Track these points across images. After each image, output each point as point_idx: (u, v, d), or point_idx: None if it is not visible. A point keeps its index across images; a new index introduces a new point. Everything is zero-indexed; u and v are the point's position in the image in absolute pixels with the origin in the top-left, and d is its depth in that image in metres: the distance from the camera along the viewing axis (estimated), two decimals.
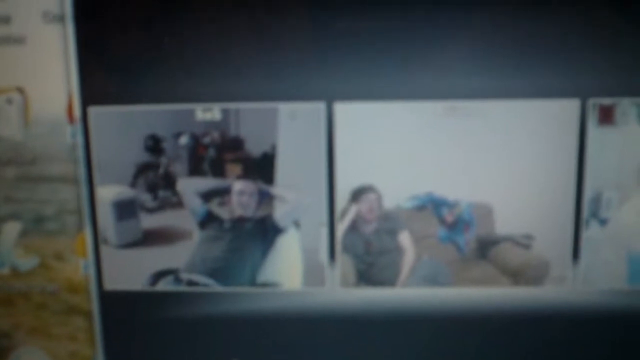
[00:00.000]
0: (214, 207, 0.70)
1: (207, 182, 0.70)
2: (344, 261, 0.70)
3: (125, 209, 0.71)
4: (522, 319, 0.70)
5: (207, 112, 0.68)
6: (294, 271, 0.71)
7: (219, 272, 0.71)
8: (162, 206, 0.71)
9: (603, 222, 0.68)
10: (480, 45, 0.65)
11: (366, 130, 0.67)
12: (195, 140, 0.69)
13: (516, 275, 0.69)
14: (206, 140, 0.69)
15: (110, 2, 0.67)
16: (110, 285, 0.73)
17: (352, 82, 0.66)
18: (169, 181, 0.70)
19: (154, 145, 0.69)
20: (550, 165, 0.67)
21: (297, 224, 0.70)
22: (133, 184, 0.70)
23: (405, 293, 0.71)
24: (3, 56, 0.69)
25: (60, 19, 0.68)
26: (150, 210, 0.71)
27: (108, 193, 0.71)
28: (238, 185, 0.69)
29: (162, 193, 0.70)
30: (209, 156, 0.69)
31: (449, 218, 0.69)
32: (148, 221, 0.71)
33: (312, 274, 0.71)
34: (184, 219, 0.71)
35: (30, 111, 0.70)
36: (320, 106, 0.67)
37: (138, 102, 0.68)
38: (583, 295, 0.69)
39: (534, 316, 0.70)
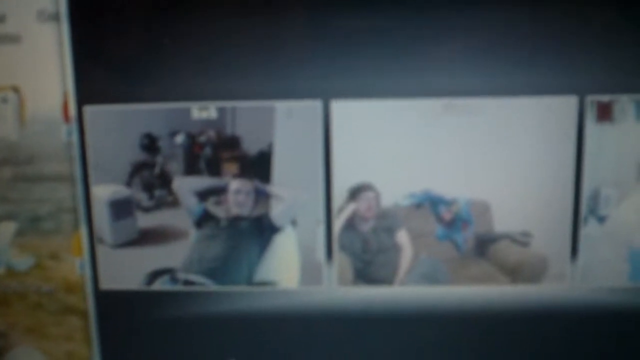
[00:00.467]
0: (210, 206, 0.70)
1: (203, 181, 0.69)
2: (341, 259, 0.70)
3: (121, 208, 0.71)
4: (520, 317, 0.70)
5: (203, 111, 0.68)
6: (291, 270, 0.70)
7: (215, 272, 0.71)
8: (158, 205, 0.70)
9: (601, 219, 0.67)
10: (478, 42, 0.65)
11: (363, 128, 0.67)
12: (191, 139, 0.69)
13: (514, 273, 0.69)
14: (202, 139, 0.69)
15: (105, 0, 0.66)
16: (106, 284, 0.73)
17: (349, 80, 0.66)
18: (165, 180, 0.70)
19: (150, 144, 0.69)
20: (548, 163, 0.67)
21: (294, 222, 0.69)
22: (129, 183, 0.70)
23: (403, 291, 0.70)
24: None
25: (55, 17, 0.68)
26: (146, 210, 0.71)
27: (104, 192, 0.70)
28: (234, 184, 0.69)
29: (158, 192, 0.70)
30: (205, 155, 0.69)
31: (447, 216, 0.69)
32: (144, 220, 0.71)
33: (309, 272, 0.70)
34: (180, 218, 0.70)
35: (25, 110, 0.70)
36: (316, 104, 0.67)
37: (134, 100, 0.68)
38: (582, 292, 0.69)
39: (532, 314, 0.70)
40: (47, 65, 0.69)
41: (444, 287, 0.70)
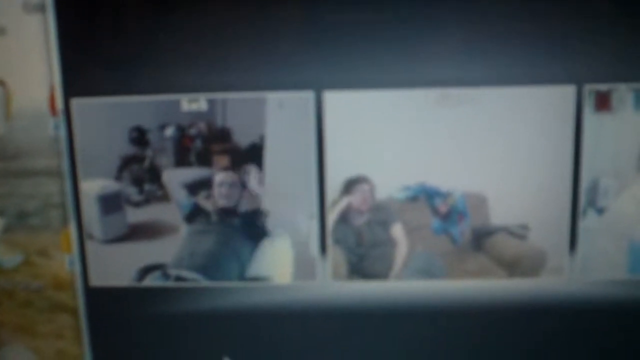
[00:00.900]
0: (201, 200, 0.69)
1: (193, 174, 0.68)
2: (335, 254, 0.69)
3: (110, 203, 0.69)
4: (519, 311, 0.69)
5: (193, 103, 0.67)
6: (284, 265, 0.69)
7: (207, 267, 0.70)
8: (148, 200, 0.69)
9: (600, 211, 0.66)
10: (473, 31, 0.64)
11: (356, 119, 0.66)
12: (181, 132, 0.67)
13: (512, 267, 0.68)
14: (192, 131, 0.67)
15: None
16: (96, 281, 0.71)
17: (342, 70, 0.65)
18: (155, 174, 0.69)
19: (139, 137, 0.68)
20: (546, 154, 0.65)
21: (287, 216, 0.68)
22: (118, 177, 0.69)
23: (399, 286, 0.69)
24: None
25: (41, 8, 0.66)
26: (136, 204, 0.69)
27: (92, 187, 0.69)
28: (218, 177, 0.68)
29: (148, 186, 0.69)
30: (195, 148, 0.68)
31: (443, 208, 0.67)
32: (134, 215, 0.70)
33: (303, 267, 0.69)
34: (170, 213, 0.69)
35: (11, 104, 0.69)
36: (309, 95, 0.65)
37: (122, 93, 0.67)
38: (580, 286, 0.68)
39: (530, 308, 0.68)
40: (33, 58, 0.67)
41: (440, 281, 0.69)
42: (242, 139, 0.67)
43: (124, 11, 0.65)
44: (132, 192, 0.69)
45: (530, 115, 0.65)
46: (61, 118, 0.68)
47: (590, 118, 0.64)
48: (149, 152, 0.68)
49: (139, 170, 0.69)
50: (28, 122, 0.69)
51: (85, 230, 0.70)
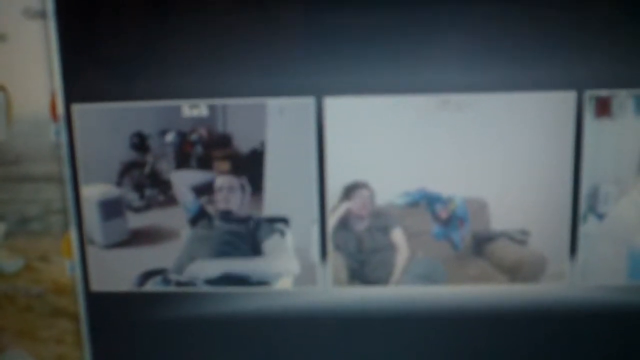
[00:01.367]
0: (205, 203, 0.69)
1: (199, 177, 0.68)
2: (336, 259, 0.69)
3: (111, 209, 0.69)
4: (519, 317, 0.69)
5: (194, 109, 0.67)
6: (285, 270, 0.69)
7: (209, 272, 0.70)
8: (149, 205, 0.69)
9: (601, 216, 0.66)
10: (474, 37, 0.64)
11: (357, 125, 0.66)
12: (182, 138, 0.67)
13: (512, 272, 0.68)
14: (193, 137, 0.67)
15: None
16: (97, 286, 0.71)
17: (343, 76, 0.65)
18: (156, 179, 0.69)
19: (140, 142, 0.68)
20: (546, 159, 0.65)
21: (287, 222, 0.68)
22: (119, 183, 0.69)
23: (400, 291, 0.69)
24: None
25: (42, 14, 0.66)
26: (137, 210, 0.69)
27: (93, 192, 0.69)
28: (218, 181, 0.68)
29: (148, 192, 0.69)
30: (195, 153, 0.68)
31: (443, 214, 0.67)
32: (135, 220, 0.70)
33: (304, 272, 0.69)
34: (171, 218, 0.69)
35: (12, 109, 0.69)
36: (309, 101, 0.66)
37: (123, 98, 0.67)
38: (581, 291, 0.68)
39: (531, 314, 0.68)
40: (34, 64, 0.67)
41: (441, 286, 0.69)
42: (243, 144, 0.67)
43: (125, 17, 0.65)
44: (133, 197, 0.69)
45: (530, 121, 0.65)
46: (62, 124, 0.68)
47: (591, 124, 0.65)
48: (149, 158, 0.68)
49: (140, 175, 0.69)
50: (29, 127, 0.69)
51: (86, 235, 0.70)
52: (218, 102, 0.66)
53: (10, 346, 0.75)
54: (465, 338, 0.70)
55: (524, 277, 0.68)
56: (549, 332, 0.69)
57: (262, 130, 0.67)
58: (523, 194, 0.66)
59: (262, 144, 0.67)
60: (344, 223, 0.68)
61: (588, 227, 0.67)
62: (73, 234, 0.70)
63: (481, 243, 0.68)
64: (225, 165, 0.68)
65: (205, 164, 0.68)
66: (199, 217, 0.69)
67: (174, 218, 0.69)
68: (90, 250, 0.71)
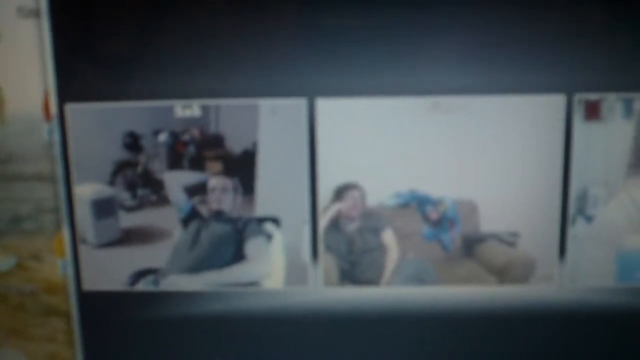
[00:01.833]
0: (197, 203, 0.69)
1: (192, 177, 0.68)
2: (327, 260, 0.69)
3: (103, 208, 0.70)
4: (508, 318, 0.69)
5: (187, 109, 0.67)
6: (276, 270, 0.70)
7: (199, 272, 0.70)
8: (142, 205, 0.70)
9: (589, 219, 0.67)
10: (466, 41, 0.64)
11: (348, 126, 0.66)
12: (175, 138, 0.68)
13: (502, 274, 0.68)
14: (186, 137, 0.68)
15: None
16: (89, 285, 0.72)
17: (334, 77, 0.65)
18: (148, 179, 0.69)
19: (133, 142, 0.68)
20: (536, 162, 0.66)
21: (279, 223, 0.69)
22: (111, 182, 0.69)
23: (390, 292, 0.70)
24: None
25: (36, 14, 0.67)
26: (130, 209, 0.70)
27: (86, 191, 0.69)
28: (211, 182, 0.68)
29: (141, 191, 0.69)
30: (188, 153, 0.68)
31: (434, 215, 0.68)
32: (127, 220, 0.70)
33: (295, 272, 0.69)
34: (163, 218, 0.70)
35: (5, 109, 0.69)
36: (301, 102, 0.66)
37: (116, 98, 0.67)
38: (570, 293, 0.68)
39: (520, 315, 0.69)
40: (27, 63, 0.68)
41: (431, 287, 0.69)
42: (235, 145, 0.68)
43: (118, 17, 0.66)
44: (125, 197, 0.69)
45: (520, 124, 0.65)
46: (55, 123, 0.68)
47: (580, 127, 0.65)
48: (142, 158, 0.69)
49: (133, 175, 0.69)
50: (22, 127, 0.69)
51: (78, 234, 0.70)
52: (211, 102, 0.67)
53: (2, 344, 0.75)
54: (455, 338, 0.70)
55: (513, 279, 0.68)
56: (537, 333, 0.69)
57: (254, 131, 0.67)
58: (513, 196, 0.67)
59: (254, 145, 0.67)
60: (335, 224, 0.68)
61: (577, 230, 0.67)
62: (65, 233, 0.70)
63: (471, 244, 0.68)
64: (217, 166, 0.68)
65: (197, 164, 0.68)
66: (190, 217, 0.70)
67: (166, 218, 0.69)
68: (83, 250, 0.71)
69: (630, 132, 0.65)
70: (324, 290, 0.70)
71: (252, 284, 0.70)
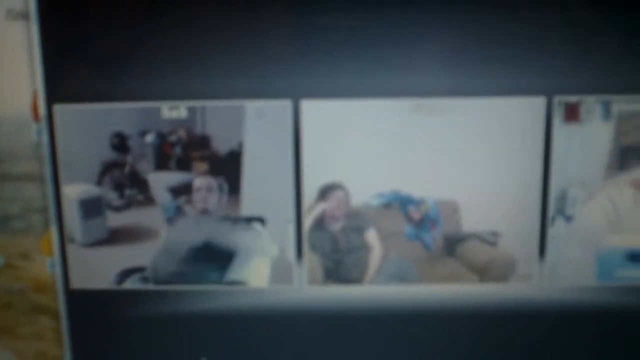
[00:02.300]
0: (183, 203, 0.70)
1: (177, 177, 0.69)
2: (311, 259, 0.70)
3: (91, 208, 0.71)
4: (488, 316, 0.70)
5: (173, 110, 0.68)
6: (261, 269, 0.71)
7: (186, 271, 0.71)
8: (129, 204, 0.70)
9: (569, 219, 0.68)
10: (447, 44, 0.65)
11: (333, 127, 0.67)
12: (162, 138, 0.69)
13: (483, 272, 0.70)
14: (172, 138, 0.69)
15: None
16: (77, 284, 0.73)
17: (318, 79, 0.66)
18: (135, 179, 0.70)
19: (120, 143, 0.69)
20: (516, 163, 0.67)
21: (264, 222, 0.70)
22: (99, 182, 0.70)
23: (373, 290, 0.71)
24: None
25: (25, 16, 0.67)
26: (117, 209, 0.71)
27: (74, 191, 0.70)
28: (197, 182, 0.69)
29: (128, 191, 0.70)
30: (175, 154, 0.69)
31: (416, 215, 0.69)
32: (114, 219, 0.71)
33: (280, 271, 0.71)
34: (150, 217, 0.70)
35: None
36: (286, 104, 0.67)
37: (104, 100, 0.68)
38: (549, 291, 0.70)
39: (500, 313, 0.70)
40: (16, 64, 0.68)
41: (413, 286, 0.70)
42: (221, 146, 0.69)
43: (107, 20, 0.66)
44: (112, 196, 0.70)
45: (501, 126, 0.67)
46: (44, 124, 0.69)
47: (560, 128, 0.66)
48: (129, 158, 0.70)
49: (120, 175, 0.70)
50: (11, 127, 0.70)
51: (66, 233, 0.71)
52: (197, 104, 0.68)
53: None
54: (437, 335, 0.71)
55: (494, 277, 0.70)
56: (517, 331, 0.71)
57: (240, 132, 0.68)
58: (494, 197, 0.68)
59: (240, 145, 0.68)
60: (320, 223, 0.69)
61: (556, 230, 0.68)
62: (54, 232, 0.71)
63: (452, 244, 0.70)
64: (203, 166, 0.69)
65: (184, 164, 0.69)
66: (176, 217, 0.70)
67: (153, 217, 0.70)
68: (71, 249, 0.72)
69: (608, 134, 0.67)
70: (308, 289, 0.71)
71: (238, 282, 0.71)
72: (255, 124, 0.68)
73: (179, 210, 0.70)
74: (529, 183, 0.68)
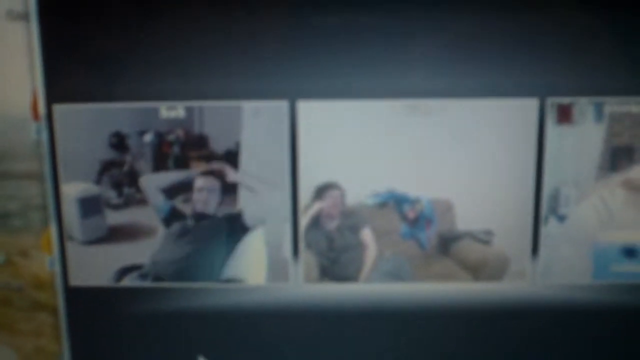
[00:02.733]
0: (179, 203, 0.71)
1: (170, 178, 0.70)
2: (307, 257, 0.71)
3: (90, 206, 0.71)
4: (482, 314, 0.71)
5: (172, 110, 0.69)
6: (258, 267, 0.71)
7: (183, 269, 0.72)
8: (127, 203, 0.71)
9: (561, 218, 0.69)
10: (441, 45, 0.66)
11: (329, 127, 0.68)
12: (160, 138, 0.70)
13: (476, 271, 0.71)
14: (171, 137, 0.69)
15: None
16: (75, 281, 0.73)
17: (315, 80, 0.67)
18: (134, 178, 0.71)
19: (119, 142, 0.70)
20: (510, 163, 0.68)
21: (262, 220, 0.70)
22: (98, 181, 0.71)
23: (368, 288, 0.72)
24: None
25: (25, 16, 0.68)
26: (115, 207, 0.71)
27: (73, 190, 0.71)
28: (198, 182, 0.70)
29: (126, 190, 0.71)
30: (173, 153, 0.70)
31: (411, 214, 0.70)
32: (113, 218, 0.72)
33: (276, 269, 0.71)
34: (149, 216, 0.71)
35: None
36: (283, 104, 0.68)
37: (103, 99, 0.69)
38: (542, 290, 0.71)
39: (494, 311, 0.71)
40: (16, 64, 0.69)
41: (408, 284, 0.71)
42: (219, 145, 0.69)
43: (106, 21, 0.67)
44: (111, 195, 0.71)
45: (495, 126, 0.67)
46: (43, 123, 0.69)
47: (552, 129, 0.67)
48: (128, 157, 0.70)
49: (119, 174, 0.71)
50: (10, 126, 0.71)
51: (65, 231, 0.72)
52: (195, 104, 0.68)
53: None
54: (431, 333, 0.72)
55: (488, 276, 0.71)
56: (511, 328, 0.71)
57: (237, 132, 0.69)
58: (487, 196, 0.69)
59: (237, 145, 0.69)
60: (316, 222, 0.70)
61: (549, 229, 0.69)
62: (53, 230, 0.72)
63: (447, 243, 0.70)
64: (201, 165, 0.70)
65: (182, 163, 0.70)
66: (171, 217, 0.71)
67: (151, 216, 0.71)
68: (70, 246, 0.72)
69: (600, 135, 0.67)
70: (304, 286, 0.72)
71: (235, 280, 0.72)
72: (252, 124, 0.68)
73: (173, 210, 0.71)
74: (522, 183, 0.68)
